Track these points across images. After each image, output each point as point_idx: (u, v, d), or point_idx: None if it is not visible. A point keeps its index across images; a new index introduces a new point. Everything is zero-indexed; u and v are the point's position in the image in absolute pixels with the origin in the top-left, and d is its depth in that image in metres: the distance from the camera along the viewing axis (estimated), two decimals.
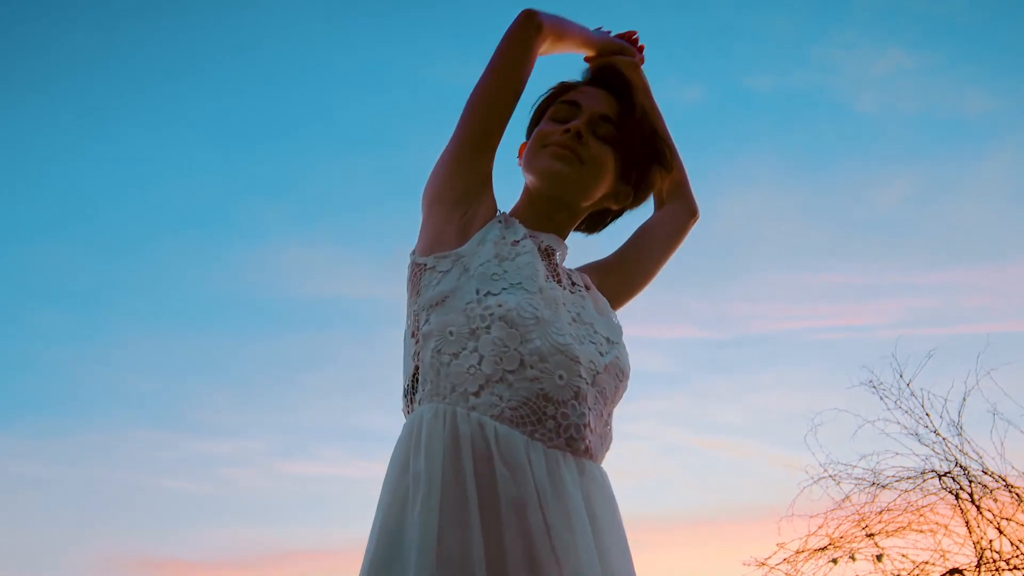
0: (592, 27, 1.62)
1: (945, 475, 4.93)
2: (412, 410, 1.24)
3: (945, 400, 4.96)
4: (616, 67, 1.53)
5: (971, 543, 4.86)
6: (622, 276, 1.57)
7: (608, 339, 1.35)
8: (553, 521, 1.12)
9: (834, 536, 4.98)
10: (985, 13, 5.62)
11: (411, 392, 1.27)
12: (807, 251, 6.07)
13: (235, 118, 5.93)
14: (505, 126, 1.42)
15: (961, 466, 4.92)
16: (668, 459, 6.57)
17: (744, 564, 4.96)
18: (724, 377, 6.35)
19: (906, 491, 4.99)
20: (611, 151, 1.43)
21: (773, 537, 4.97)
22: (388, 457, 1.21)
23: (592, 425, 1.23)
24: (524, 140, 1.54)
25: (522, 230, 1.38)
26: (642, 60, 1.69)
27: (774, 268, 6.00)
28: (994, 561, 4.76)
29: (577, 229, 1.52)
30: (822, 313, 6.04)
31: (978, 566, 4.77)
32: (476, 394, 1.17)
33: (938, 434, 4.94)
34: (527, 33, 1.40)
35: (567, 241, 1.48)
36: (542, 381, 1.19)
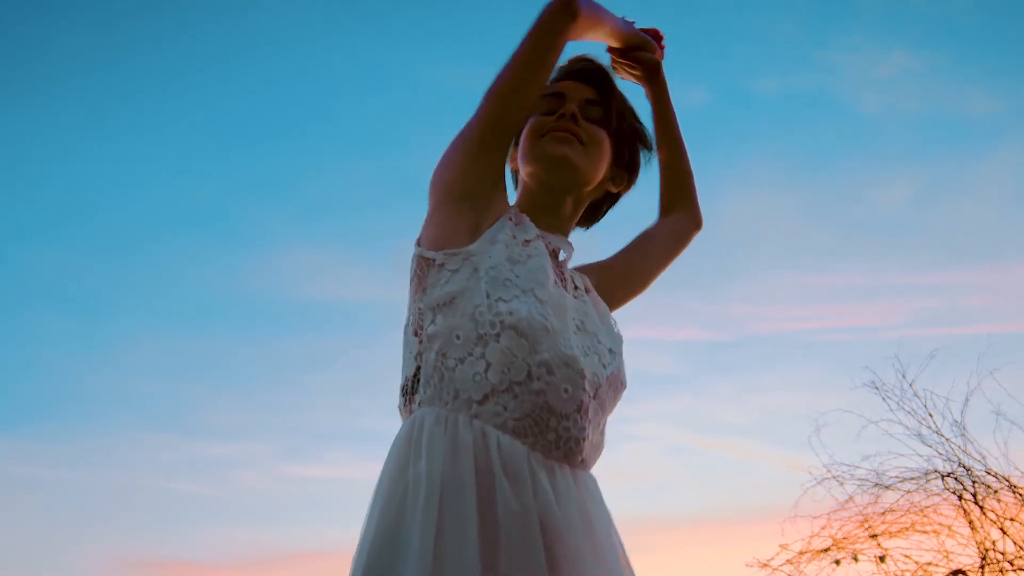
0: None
1: (948, 476, 4.93)
2: (411, 410, 1.23)
3: (947, 400, 4.96)
4: (589, 58, 1.54)
5: (974, 544, 4.86)
6: (621, 279, 1.57)
7: (610, 350, 1.34)
8: (551, 531, 1.11)
9: (837, 537, 4.98)
10: (987, 14, 5.63)
11: (410, 391, 1.24)
12: (810, 252, 6.08)
13: (237, 120, 5.96)
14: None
15: (964, 467, 4.92)
16: (671, 460, 6.58)
17: (747, 565, 4.97)
18: (727, 378, 6.37)
19: (909, 492, 4.99)
20: (604, 133, 1.45)
21: (776, 538, 4.97)
22: None
23: (590, 437, 1.23)
24: (514, 144, 1.52)
25: (533, 229, 1.36)
26: (662, 56, 1.67)
27: (777, 269, 6.01)
28: (998, 562, 4.75)
29: (577, 223, 1.52)
30: (825, 314, 6.05)
31: (982, 567, 4.77)
32: (480, 403, 1.16)
33: (940, 434, 4.94)
34: (563, 21, 1.34)
35: (571, 238, 1.47)
36: (547, 394, 1.18)
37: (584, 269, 1.53)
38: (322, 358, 6.47)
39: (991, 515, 4.85)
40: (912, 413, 5.01)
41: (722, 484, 6.10)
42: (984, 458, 4.91)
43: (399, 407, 1.27)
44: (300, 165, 6.07)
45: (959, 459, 4.93)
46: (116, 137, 6.01)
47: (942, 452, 4.97)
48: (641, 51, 1.64)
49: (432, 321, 1.24)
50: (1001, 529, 4.82)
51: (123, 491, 6.43)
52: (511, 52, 1.35)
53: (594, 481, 1.26)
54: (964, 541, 4.90)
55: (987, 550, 4.80)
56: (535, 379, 1.17)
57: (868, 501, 5.01)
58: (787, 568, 4.93)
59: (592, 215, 1.57)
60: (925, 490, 4.97)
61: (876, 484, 5.01)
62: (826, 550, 4.95)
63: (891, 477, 5.02)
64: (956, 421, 4.95)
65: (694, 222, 1.69)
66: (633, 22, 1.63)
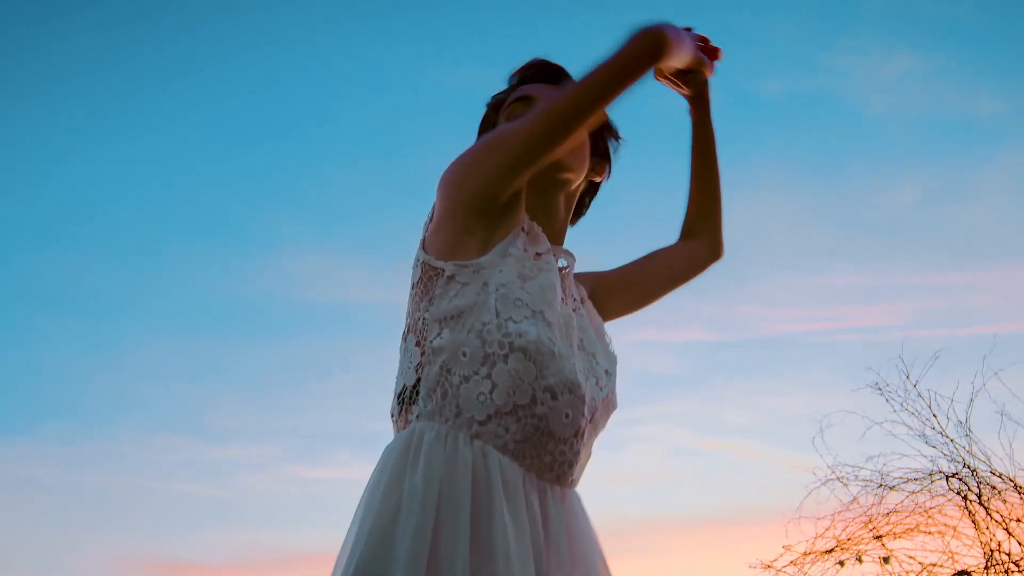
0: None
1: (953, 476, 4.93)
2: (407, 420, 1.21)
3: (952, 400, 4.96)
4: (544, 60, 1.50)
5: (979, 545, 4.86)
6: (620, 293, 1.55)
7: (606, 371, 1.33)
8: (544, 555, 1.13)
9: (841, 538, 4.98)
10: (993, 16, 5.63)
11: (408, 401, 1.22)
12: (816, 254, 6.09)
13: (241, 123, 5.99)
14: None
15: (969, 467, 4.92)
16: (676, 461, 6.59)
17: (750, 566, 4.98)
18: (732, 379, 6.36)
19: (913, 493, 4.99)
20: None
21: (781, 539, 4.99)
22: None
23: (582, 459, 1.25)
24: None
25: (545, 242, 1.35)
26: (711, 72, 1.59)
27: (782, 270, 6.01)
28: (1002, 563, 4.75)
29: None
30: (831, 315, 6.05)
31: (986, 568, 4.77)
32: (483, 423, 1.15)
33: (944, 435, 4.94)
34: (651, 61, 1.27)
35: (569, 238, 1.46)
36: (549, 419, 1.18)
37: (580, 277, 1.52)
38: (328, 360, 6.50)
39: (996, 516, 4.85)
40: (916, 414, 5.01)
41: (727, 485, 6.11)
42: (989, 459, 4.91)
43: (392, 413, 1.26)
44: (304, 168, 6.10)
45: (964, 460, 4.94)
46: (122, 140, 6.06)
47: (947, 453, 4.97)
48: (694, 72, 1.57)
49: (438, 334, 1.21)
50: (1006, 530, 4.82)
51: (131, 493, 6.48)
52: (582, 76, 1.26)
53: (579, 499, 1.27)
54: (969, 542, 4.90)
55: (992, 551, 4.79)
56: (539, 403, 1.18)
57: (872, 502, 5.01)
58: (791, 569, 4.94)
59: (578, 209, 1.54)
60: (929, 491, 4.97)
61: (880, 485, 5.01)
62: (830, 551, 4.95)
63: (895, 478, 5.02)
64: (961, 422, 4.95)
65: (714, 252, 1.63)
66: (691, 28, 1.54)
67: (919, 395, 5.02)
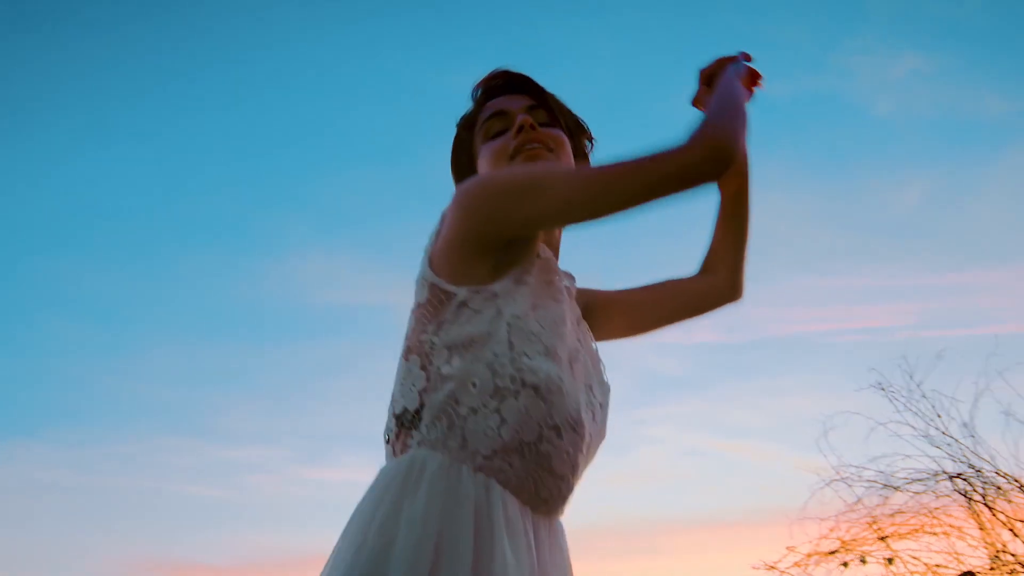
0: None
1: (957, 477, 4.91)
2: (405, 444, 1.18)
3: (956, 401, 4.94)
4: (505, 70, 1.46)
5: (984, 545, 4.85)
6: (621, 317, 1.51)
7: (601, 405, 1.32)
8: None
9: (846, 539, 4.97)
10: (999, 16, 5.62)
11: (409, 424, 1.19)
12: (825, 255, 6.08)
13: (254, 128, 6.03)
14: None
15: (974, 468, 4.90)
16: (685, 462, 6.60)
17: (753, 567, 4.98)
18: (741, 380, 6.37)
19: (918, 493, 4.97)
20: (561, 132, 1.41)
21: (786, 540, 4.98)
22: None
23: (574, 492, 1.25)
24: (458, 182, 1.49)
25: (557, 269, 1.33)
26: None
27: (791, 271, 6.00)
28: (1008, 564, 4.75)
29: None
30: (838, 316, 6.05)
31: (992, 568, 4.76)
32: (487, 457, 1.14)
33: (946, 434, 4.93)
34: (716, 176, 1.16)
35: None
36: (552, 457, 1.17)
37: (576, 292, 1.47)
38: (336, 363, 6.55)
39: (1001, 516, 4.83)
40: (920, 415, 5.01)
41: (733, 486, 6.12)
42: (993, 459, 4.89)
43: (387, 432, 1.23)
44: (313, 172, 6.14)
45: (968, 460, 4.92)
46: (132, 145, 6.11)
47: (951, 453, 4.95)
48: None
49: (447, 361, 1.18)
50: (1011, 530, 4.80)
51: (140, 495, 6.54)
52: (640, 164, 1.15)
53: (563, 529, 1.27)
54: (974, 543, 4.89)
55: (997, 552, 4.79)
56: (544, 441, 1.17)
57: (877, 503, 5.00)
58: (795, 570, 4.93)
59: None
60: (934, 492, 4.95)
61: (885, 486, 5.00)
62: (834, 552, 4.94)
63: (900, 479, 5.01)
64: (965, 422, 4.95)
65: (734, 292, 1.55)
66: (748, 57, 1.45)
67: (923, 395, 5.02)
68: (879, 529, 4.95)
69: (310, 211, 6.23)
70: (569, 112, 1.47)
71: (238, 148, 6.11)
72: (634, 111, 5.59)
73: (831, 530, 5.00)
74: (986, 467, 4.90)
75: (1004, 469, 4.87)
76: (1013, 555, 4.75)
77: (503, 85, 1.46)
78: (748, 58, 1.45)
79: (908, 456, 5.03)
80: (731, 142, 1.16)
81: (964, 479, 4.92)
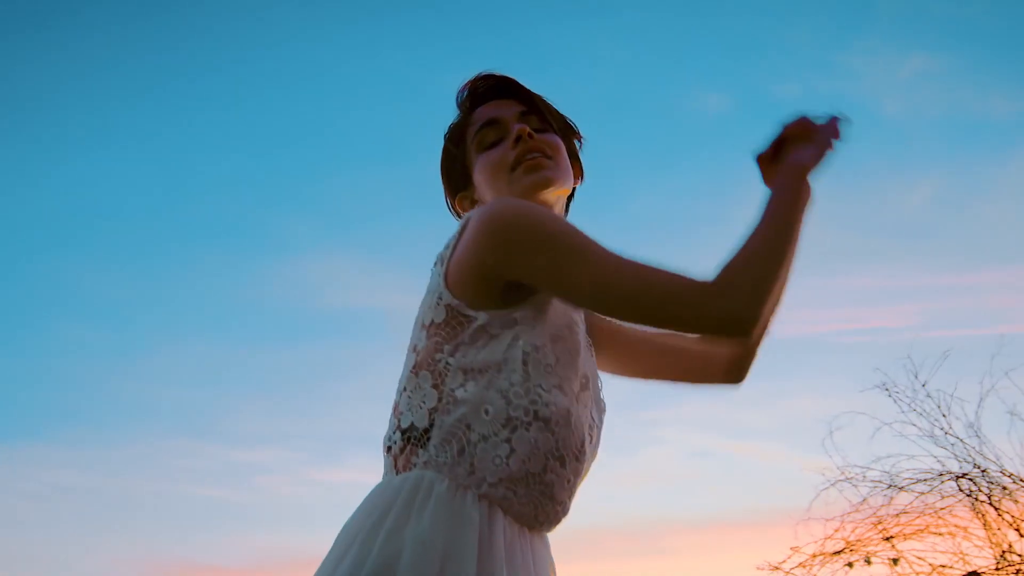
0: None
1: (963, 477, 4.90)
2: (410, 461, 1.17)
3: (958, 399, 4.94)
4: (493, 74, 1.44)
5: (990, 545, 4.85)
6: (613, 351, 1.48)
7: (599, 425, 1.32)
8: None
9: (851, 539, 4.96)
10: (1007, 16, 5.60)
11: (416, 442, 1.18)
12: (833, 255, 6.06)
13: (261, 130, 6.06)
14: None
15: (979, 468, 4.89)
16: (693, 463, 6.61)
17: (758, 568, 4.98)
18: (751, 381, 6.35)
19: (923, 493, 4.97)
20: (556, 136, 1.40)
21: (790, 540, 4.98)
22: None
23: (569, 512, 1.26)
24: (452, 195, 1.49)
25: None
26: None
27: (800, 272, 5.99)
28: (1014, 564, 4.75)
29: None
30: (847, 317, 6.04)
31: (997, 569, 4.75)
32: (493, 485, 1.14)
33: (951, 434, 4.92)
34: (728, 344, 1.15)
35: None
36: (554, 485, 1.19)
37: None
38: (345, 364, 6.58)
39: (1007, 516, 4.82)
40: (925, 414, 5.01)
41: (739, 487, 6.12)
42: (999, 459, 4.88)
43: (390, 443, 1.22)
44: (323, 174, 6.16)
45: (974, 460, 4.91)
46: (140, 147, 6.15)
47: (956, 453, 4.95)
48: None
49: (462, 384, 1.17)
50: (1017, 530, 4.78)
51: (150, 496, 6.58)
52: (668, 289, 1.11)
53: (548, 543, 1.28)
54: (980, 543, 4.88)
55: (1003, 552, 4.79)
56: (548, 471, 1.17)
57: (882, 503, 5.00)
58: (799, 571, 4.93)
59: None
60: (939, 492, 4.93)
61: (890, 486, 4.99)
62: (839, 552, 4.95)
63: (905, 479, 5.00)
64: (971, 422, 4.94)
65: (735, 377, 1.45)
66: (840, 120, 1.34)
67: (928, 395, 5.02)
68: (884, 529, 4.95)
69: (319, 212, 6.26)
70: (558, 114, 1.46)
71: (245, 149, 6.15)
72: (635, 111, 5.62)
73: (836, 530, 5.00)
74: (991, 467, 4.89)
75: (1009, 469, 4.86)
76: (1019, 555, 4.74)
77: (490, 90, 1.44)
78: (840, 125, 1.34)
79: (913, 456, 5.02)
80: (751, 315, 1.09)
81: (969, 479, 4.91)
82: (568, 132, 1.47)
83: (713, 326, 1.10)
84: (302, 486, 6.78)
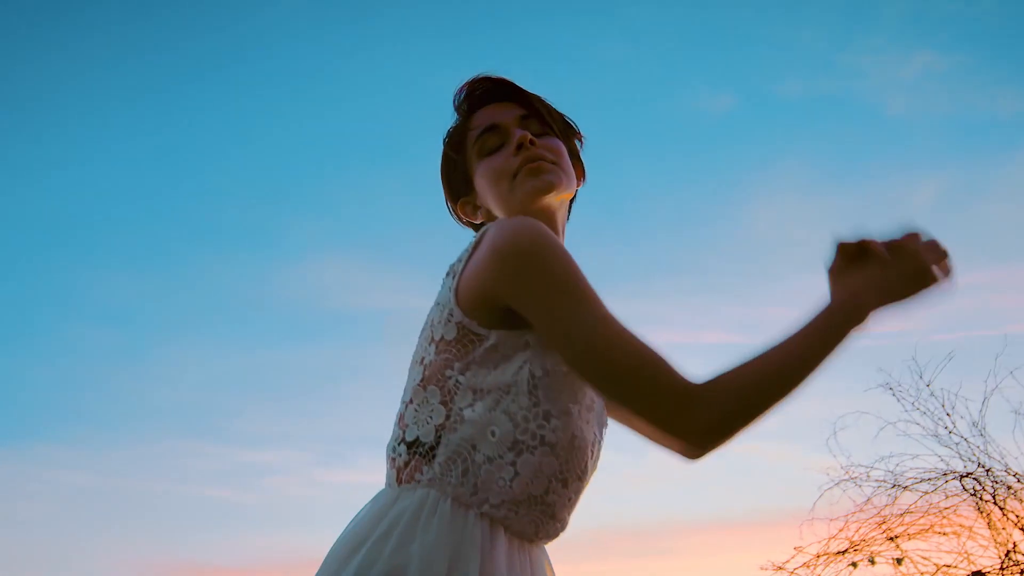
0: None
1: (967, 476, 4.90)
2: (413, 475, 1.17)
3: (963, 398, 4.94)
4: (487, 76, 1.42)
5: (995, 545, 4.85)
6: None
7: (601, 441, 1.31)
8: None
9: (855, 539, 4.96)
10: (1012, 14, 5.60)
11: (420, 456, 1.18)
12: None
13: (271, 133, 6.09)
14: None
15: (983, 467, 4.89)
16: (699, 464, 6.60)
17: (761, 568, 4.99)
18: None
19: (927, 493, 4.96)
20: (557, 140, 1.40)
21: (794, 540, 4.98)
22: None
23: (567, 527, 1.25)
24: (454, 201, 1.48)
25: None
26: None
27: (805, 272, 5.99)
28: (1019, 563, 4.75)
29: None
30: None
31: (1002, 568, 4.75)
32: (495, 506, 1.14)
33: (953, 433, 4.92)
34: (687, 452, 1.12)
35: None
36: (556, 505, 1.19)
37: None
38: (353, 366, 6.60)
39: (1011, 516, 4.82)
40: (930, 414, 5.00)
41: (745, 486, 6.13)
42: (1004, 458, 4.88)
43: (395, 453, 1.22)
44: (330, 176, 6.18)
45: (978, 459, 4.91)
46: (150, 150, 6.19)
47: (961, 453, 4.95)
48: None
49: (470, 404, 1.16)
50: (1022, 530, 4.78)
51: (159, 497, 6.61)
52: (654, 378, 1.09)
53: (544, 548, 1.28)
54: (984, 542, 4.87)
55: (1008, 551, 4.78)
56: (551, 492, 1.18)
57: (886, 502, 5.00)
58: (803, 571, 4.93)
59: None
60: (944, 491, 4.93)
61: (894, 485, 4.99)
62: (842, 552, 4.94)
63: (909, 478, 5.00)
64: (975, 422, 4.95)
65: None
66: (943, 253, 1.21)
67: (932, 395, 5.02)
68: (888, 529, 4.95)
69: (328, 215, 6.29)
70: (558, 115, 1.45)
71: (250, 151, 6.18)
72: (638, 110, 5.63)
73: (840, 530, 5.00)
74: (996, 466, 4.89)
75: (1014, 468, 4.86)
76: None
77: (487, 93, 1.43)
78: (944, 258, 1.21)
79: (917, 456, 5.02)
80: (717, 441, 1.10)
81: (974, 478, 4.91)
82: (569, 133, 1.46)
83: (675, 431, 1.09)
84: (309, 487, 6.81)
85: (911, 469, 5.01)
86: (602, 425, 1.34)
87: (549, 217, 1.36)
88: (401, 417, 1.23)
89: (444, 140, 1.48)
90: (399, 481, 1.20)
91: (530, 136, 1.35)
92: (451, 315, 1.20)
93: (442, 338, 1.20)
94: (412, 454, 1.18)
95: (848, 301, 1.18)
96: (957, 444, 4.95)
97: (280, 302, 6.53)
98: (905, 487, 4.98)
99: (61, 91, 6.00)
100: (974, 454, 4.93)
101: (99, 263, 6.46)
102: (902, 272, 1.22)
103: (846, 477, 5.03)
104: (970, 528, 4.91)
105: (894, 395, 5.05)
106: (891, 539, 4.93)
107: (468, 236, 1.49)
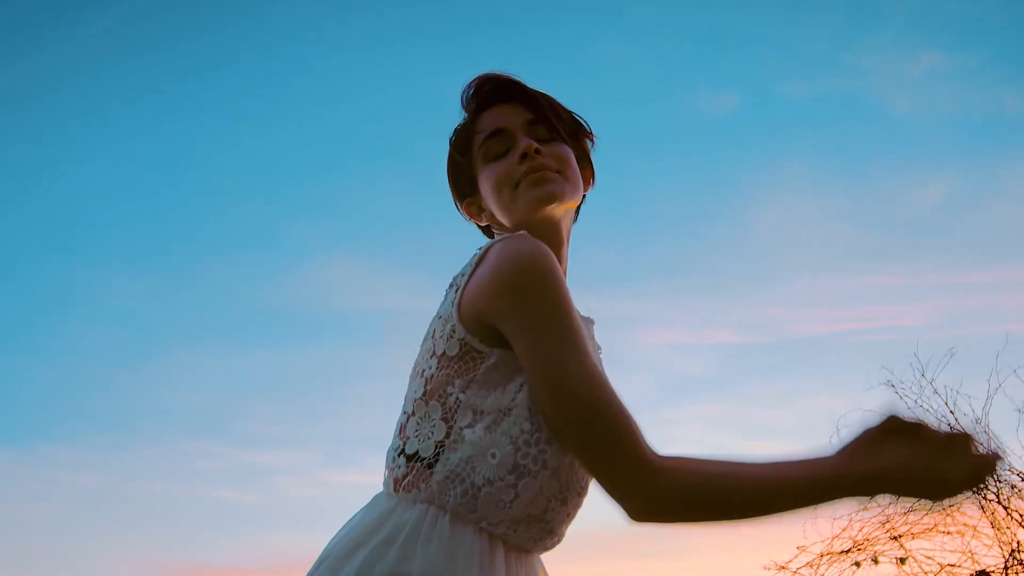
0: None
1: None
2: (411, 490, 1.17)
3: (966, 396, 4.95)
4: (497, 76, 1.40)
5: (999, 544, 4.85)
6: None
7: None
8: None
9: (859, 539, 4.96)
10: (1017, 13, 5.61)
11: (419, 472, 1.17)
12: (845, 254, 6.08)
13: (276, 135, 6.11)
14: None
15: None
16: None
17: (764, 568, 4.99)
18: (763, 381, 6.37)
19: None
20: (564, 145, 1.37)
21: (797, 540, 4.98)
22: None
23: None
24: (460, 200, 1.47)
25: (590, 328, 1.32)
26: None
27: (811, 271, 6.00)
28: (1023, 562, 4.75)
29: None
30: (860, 316, 6.05)
31: (1006, 567, 4.76)
32: (494, 524, 1.14)
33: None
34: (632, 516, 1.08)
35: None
36: (554, 521, 1.19)
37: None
38: (360, 366, 6.60)
39: (1015, 515, 4.83)
40: (933, 412, 5.01)
41: None
42: (1007, 457, 4.91)
43: (394, 464, 1.21)
44: (336, 178, 6.19)
45: None
46: (160, 152, 6.22)
47: None
48: None
49: (471, 424, 1.15)
50: None
51: (167, 498, 6.64)
52: (618, 439, 1.07)
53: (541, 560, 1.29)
54: (988, 541, 4.88)
55: (1012, 550, 4.79)
56: (550, 511, 1.18)
57: (889, 501, 5.01)
58: (806, 571, 4.94)
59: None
60: None
61: None
62: (846, 551, 4.96)
63: None
64: (978, 419, 4.95)
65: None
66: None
67: (935, 392, 5.03)
68: (892, 528, 4.95)
69: (334, 216, 6.31)
70: (568, 116, 1.42)
71: (257, 154, 6.19)
72: (642, 109, 5.64)
73: (843, 529, 5.00)
74: (1000, 465, 4.90)
75: (1018, 467, 4.87)
76: None
77: (495, 93, 1.40)
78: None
79: None
80: (660, 520, 1.08)
81: None
82: (579, 134, 1.44)
83: (621, 493, 1.08)
84: (316, 488, 6.82)
85: None
86: None
87: (552, 227, 1.35)
88: (402, 428, 1.22)
89: (450, 140, 1.47)
90: (396, 490, 1.19)
91: (535, 145, 1.33)
92: (453, 331, 1.19)
93: (444, 353, 1.19)
94: (411, 467, 1.18)
95: (871, 476, 1.10)
96: None
97: (284, 303, 6.56)
98: None
99: (61, 91, 6.03)
100: None
101: (103, 264, 6.49)
102: (942, 472, 1.08)
103: None
104: (974, 527, 4.92)
105: (897, 393, 5.06)
106: (895, 538, 4.93)
107: (473, 234, 1.49)
